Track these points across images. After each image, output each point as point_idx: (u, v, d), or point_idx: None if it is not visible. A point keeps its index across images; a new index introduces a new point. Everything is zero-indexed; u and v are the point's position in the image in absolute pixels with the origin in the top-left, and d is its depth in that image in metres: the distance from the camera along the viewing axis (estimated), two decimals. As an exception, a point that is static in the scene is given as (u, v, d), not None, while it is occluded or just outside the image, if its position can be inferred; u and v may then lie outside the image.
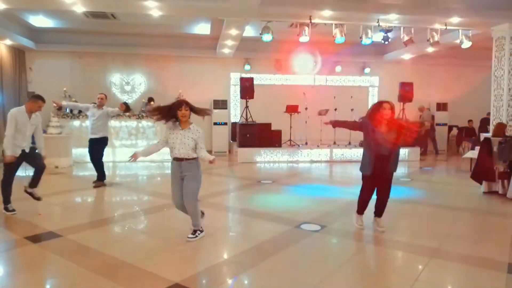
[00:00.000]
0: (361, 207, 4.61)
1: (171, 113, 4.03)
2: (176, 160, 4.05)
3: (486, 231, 4.84)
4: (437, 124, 13.64)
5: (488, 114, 12.96)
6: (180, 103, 4.04)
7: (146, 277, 3.19)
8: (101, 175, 7.21)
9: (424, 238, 4.31)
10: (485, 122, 12.74)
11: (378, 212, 4.60)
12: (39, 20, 10.78)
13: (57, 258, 3.63)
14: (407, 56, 12.79)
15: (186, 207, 4.09)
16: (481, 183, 6.91)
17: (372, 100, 14.16)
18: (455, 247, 4.03)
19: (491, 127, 8.61)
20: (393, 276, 3.39)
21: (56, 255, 3.69)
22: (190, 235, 4.12)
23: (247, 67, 13.08)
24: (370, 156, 4.36)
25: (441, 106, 13.84)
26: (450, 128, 14.01)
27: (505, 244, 4.16)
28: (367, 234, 4.51)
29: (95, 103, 7.34)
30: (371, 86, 14.21)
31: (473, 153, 8.36)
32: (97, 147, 7.15)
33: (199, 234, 4.15)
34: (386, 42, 9.34)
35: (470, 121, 13.24)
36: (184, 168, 4.03)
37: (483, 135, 8.87)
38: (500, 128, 6.87)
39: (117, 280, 3.13)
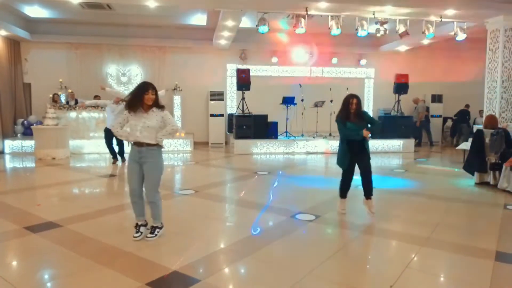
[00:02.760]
0: (344, 191, 4.92)
1: (138, 98, 3.74)
2: (136, 145, 3.79)
3: (476, 220, 4.97)
4: (432, 116, 13.75)
5: (466, 106, 13.21)
6: (147, 87, 3.74)
7: (145, 265, 3.28)
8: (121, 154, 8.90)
9: (416, 228, 4.43)
10: (464, 113, 12.96)
11: (368, 192, 4.84)
12: (34, 11, 10.71)
13: (57, 247, 3.70)
14: (403, 48, 12.85)
15: (147, 197, 3.89)
16: (473, 174, 7.04)
17: (368, 91, 14.27)
18: (445, 236, 4.15)
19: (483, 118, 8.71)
20: (384, 264, 3.50)
21: (56, 244, 3.77)
22: (149, 234, 3.90)
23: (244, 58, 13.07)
24: (344, 146, 4.72)
25: (436, 98, 13.95)
26: (445, 119, 14.14)
27: (494, 233, 4.28)
28: (360, 223, 4.62)
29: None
30: (367, 78, 14.27)
31: (466, 145, 8.49)
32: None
33: (158, 231, 3.94)
34: (381, 34, 9.36)
35: (464, 112, 13.37)
36: (145, 154, 3.78)
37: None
38: (491, 120, 6.96)
39: (117, 268, 3.22)
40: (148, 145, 3.79)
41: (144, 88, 3.75)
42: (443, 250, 3.78)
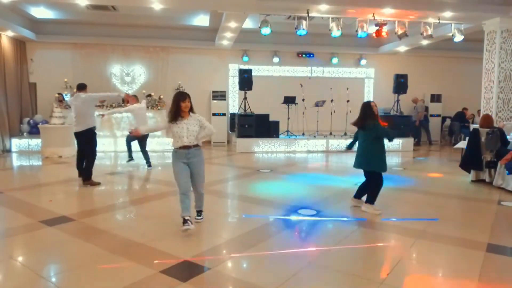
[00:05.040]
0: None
1: (178, 107, 4.15)
2: (184, 148, 4.17)
3: (471, 215, 5.18)
4: (431, 115, 13.97)
5: (464, 109, 13.45)
6: (185, 96, 4.20)
7: (158, 255, 3.50)
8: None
9: (412, 222, 4.64)
10: (460, 115, 13.19)
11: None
12: (40, 12, 10.92)
13: (74, 239, 3.93)
14: (402, 48, 13.04)
15: (198, 190, 4.36)
16: (469, 172, 7.26)
17: (368, 91, 14.48)
18: (440, 230, 4.37)
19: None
20: (381, 254, 3.72)
21: (72, 236, 4.00)
22: (198, 217, 4.50)
23: (245, 58, 13.28)
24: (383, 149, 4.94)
25: (435, 98, 14.16)
26: (444, 119, 14.35)
27: (486, 226, 4.50)
28: (360, 218, 4.83)
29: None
30: (367, 78, 14.48)
31: (464, 144, 8.69)
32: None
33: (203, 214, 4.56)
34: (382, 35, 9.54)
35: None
36: (193, 154, 4.20)
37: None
38: (487, 119, 7.16)
39: (131, 257, 3.44)
40: (195, 146, 4.22)
41: (183, 96, 4.18)
42: (437, 242, 4.00)
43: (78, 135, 6.54)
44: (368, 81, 14.49)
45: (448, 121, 14.24)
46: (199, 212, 4.56)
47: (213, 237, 4.04)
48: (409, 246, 3.85)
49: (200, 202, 4.53)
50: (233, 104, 13.53)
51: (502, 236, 4.21)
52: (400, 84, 12.18)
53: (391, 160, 10.05)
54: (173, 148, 4.28)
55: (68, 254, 3.60)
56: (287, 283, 3.02)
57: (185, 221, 4.09)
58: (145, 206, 5.38)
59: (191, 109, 4.23)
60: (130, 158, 8.62)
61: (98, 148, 8.36)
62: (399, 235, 4.23)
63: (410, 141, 11.89)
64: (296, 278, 3.12)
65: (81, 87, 6.63)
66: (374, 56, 14.19)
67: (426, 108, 13.78)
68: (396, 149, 11.62)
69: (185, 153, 4.20)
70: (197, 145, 4.24)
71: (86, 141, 6.52)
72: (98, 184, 6.54)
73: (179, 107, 4.13)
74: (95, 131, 6.71)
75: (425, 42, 11.76)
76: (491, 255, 3.63)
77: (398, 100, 12.37)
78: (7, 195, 5.79)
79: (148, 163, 8.31)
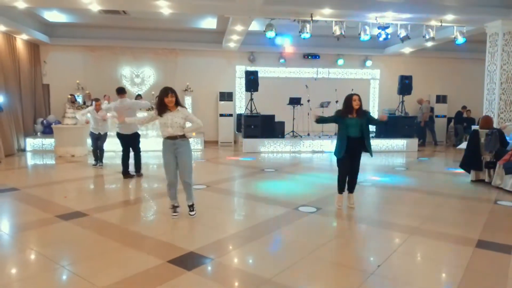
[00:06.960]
0: (340, 187, 5.30)
1: (161, 102, 4.44)
2: (170, 138, 4.48)
3: (466, 214, 5.36)
4: (436, 116, 14.07)
5: (463, 108, 13.56)
6: (166, 91, 4.43)
7: (166, 247, 3.77)
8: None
9: (408, 219, 4.84)
10: (459, 115, 13.33)
11: (350, 188, 5.34)
12: (53, 15, 11.30)
13: (87, 232, 4.22)
14: (407, 49, 13.17)
15: (185, 180, 4.57)
16: (469, 172, 7.41)
17: (373, 92, 14.63)
18: (434, 227, 4.56)
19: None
20: (374, 248, 3.94)
21: (85, 229, 4.29)
22: (191, 212, 4.70)
23: (252, 59, 13.54)
24: (342, 140, 5.08)
25: (441, 99, 14.25)
26: (449, 120, 14.42)
27: (479, 224, 4.67)
28: (356, 215, 5.06)
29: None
30: (372, 79, 14.63)
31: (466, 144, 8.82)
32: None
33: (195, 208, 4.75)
34: (386, 38, 9.71)
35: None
36: (179, 145, 4.49)
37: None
38: (487, 120, 7.30)
39: (142, 249, 3.71)
40: (180, 136, 4.49)
41: (165, 92, 4.43)
42: (430, 238, 4.20)
43: (124, 137, 7.17)
44: (374, 82, 14.65)
45: (453, 122, 14.32)
46: (191, 207, 4.70)
47: (218, 231, 4.30)
48: (402, 241, 4.06)
49: (188, 194, 4.68)
50: (240, 105, 13.81)
51: (493, 233, 4.37)
52: (405, 85, 12.32)
53: (395, 160, 10.22)
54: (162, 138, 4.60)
55: (82, 245, 3.89)
56: (283, 273, 3.26)
57: (174, 209, 4.64)
58: (152, 203, 5.67)
59: (177, 103, 4.46)
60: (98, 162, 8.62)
61: (109, 148, 8.93)
62: (394, 231, 4.44)
63: (415, 141, 12.02)
64: (292, 268, 3.36)
65: (122, 92, 7.22)
66: (379, 58, 14.34)
67: (432, 109, 13.88)
68: (400, 149, 11.77)
69: (171, 143, 4.50)
70: (183, 136, 4.49)
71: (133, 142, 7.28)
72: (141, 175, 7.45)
73: (163, 102, 4.42)
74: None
75: (429, 44, 11.88)
76: (480, 250, 3.82)
77: (403, 101, 12.50)
78: (24, 192, 6.12)
79: (101, 162, 8.59)
